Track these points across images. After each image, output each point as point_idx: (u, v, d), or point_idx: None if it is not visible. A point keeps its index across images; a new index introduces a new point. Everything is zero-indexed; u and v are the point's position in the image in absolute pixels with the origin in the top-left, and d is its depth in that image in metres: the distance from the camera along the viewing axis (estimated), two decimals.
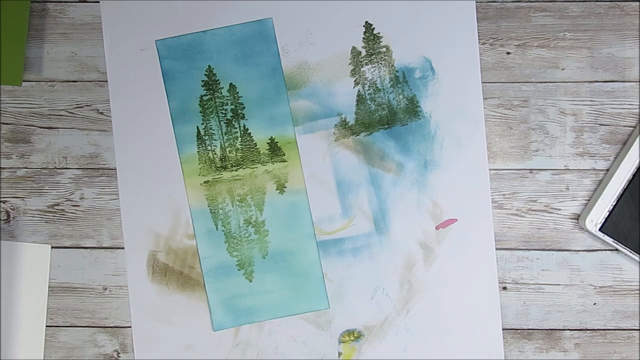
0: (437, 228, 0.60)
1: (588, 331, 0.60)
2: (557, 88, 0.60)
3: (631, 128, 0.60)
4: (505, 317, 0.60)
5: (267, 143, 0.60)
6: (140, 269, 0.60)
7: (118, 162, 0.60)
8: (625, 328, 0.60)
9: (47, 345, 0.60)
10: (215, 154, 0.60)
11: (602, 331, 0.60)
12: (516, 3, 0.60)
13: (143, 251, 0.60)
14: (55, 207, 0.61)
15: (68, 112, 0.61)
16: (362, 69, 0.60)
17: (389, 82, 0.60)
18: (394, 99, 0.60)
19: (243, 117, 0.60)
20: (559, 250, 0.60)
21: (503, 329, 0.60)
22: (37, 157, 0.61)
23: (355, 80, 0.60)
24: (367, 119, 0.60)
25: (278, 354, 0.60)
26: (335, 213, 0.60)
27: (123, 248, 0.60)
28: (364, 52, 0.60)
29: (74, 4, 0.61)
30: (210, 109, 0.60)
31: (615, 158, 0.60)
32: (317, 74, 0.60)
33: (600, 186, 0.59)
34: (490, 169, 0.60)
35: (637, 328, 0.60)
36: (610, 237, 0.58)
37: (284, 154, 0.60)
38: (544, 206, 0.60)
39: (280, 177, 0.60)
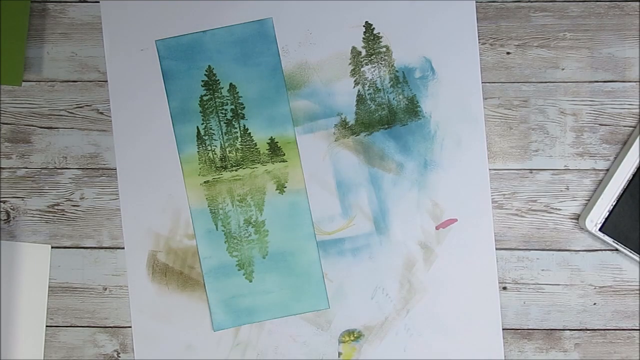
0: (437, 228, 0.60)
1: (588, 331, 0.60)
2: (557, 88, 0.60)
3: (631, 128, 0.60)
4: (505, 317, 0.60)
5: (267, 143, 0.60)
6: (140, 269, 0.60)
7: (118, 162, 0.60)
8: (625, 328, 0.60)
9: (47, 345, 0.60)
10: (215, 154, 0.60)
11: (602, 331, 0.60)
12: (516, 3, 0.60)
13: (143, 251, 0.60)
14: (55, 207, 0.61)
15: (68, 112, 0.61)
16: (362, 69, 0.60)
17: (389, 82, 0.60)
18: (394, 99, 0.60)
19: (243, 117, 0.60)
20: (559, 250, 0.60)
21: (503, 329, 0.60)
22: (37, 157, 0.61)
23: (355, 80, 0.60)
24: (367, 119, 0.60)
25: (278, 354, 0.60)
26: (335, 213, 0.60)
27: (123, 248, 0.60)
28: (364, 52, 0.60)
29: (74, 4, 0.61)
30: (210, 109, 0.60)
31: (615, 158, 0.60)
32: (317, 74, 0.60)
33: (600, 186, 0.59)
34: (490, 169, 0.60)
35: (637, 328, 0.60)
36: (610, 237, 0.58)
37: (284, 154, 0.60)
38: (544, 206, 0.60)
39: (280, 177, 0.60)
